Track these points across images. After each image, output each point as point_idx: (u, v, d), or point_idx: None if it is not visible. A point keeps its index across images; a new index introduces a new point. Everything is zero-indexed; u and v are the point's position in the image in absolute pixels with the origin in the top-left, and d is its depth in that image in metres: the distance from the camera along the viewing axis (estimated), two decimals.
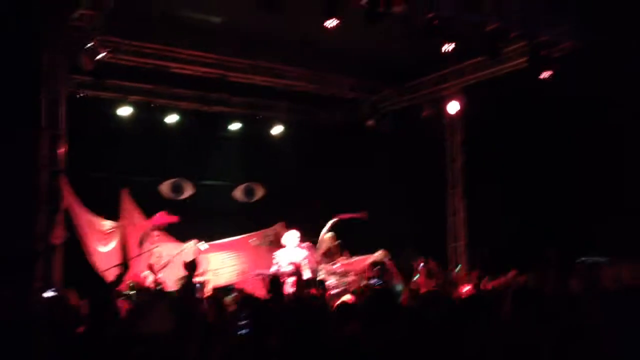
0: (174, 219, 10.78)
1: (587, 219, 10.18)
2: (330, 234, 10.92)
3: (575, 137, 10.22)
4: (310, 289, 6.93)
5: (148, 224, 10.94)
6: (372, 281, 9.47)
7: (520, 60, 9.88)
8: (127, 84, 11.51)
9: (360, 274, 10.88)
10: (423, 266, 9.60)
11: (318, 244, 10.92)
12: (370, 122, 12.34)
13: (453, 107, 11.47)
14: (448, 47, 8.86)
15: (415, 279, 9.51)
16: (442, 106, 11.64)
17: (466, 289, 8.06)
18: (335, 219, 11.03)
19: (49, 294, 6.93)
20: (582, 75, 9.34)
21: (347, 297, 7.10)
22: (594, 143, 9.95)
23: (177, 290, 7.52)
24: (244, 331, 3.46)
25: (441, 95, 11.63)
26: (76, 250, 10.20)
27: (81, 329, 5.15)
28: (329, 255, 10.69)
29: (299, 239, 10.36)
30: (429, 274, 9.23)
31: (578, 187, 10.36)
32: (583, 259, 9.96)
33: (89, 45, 8.93)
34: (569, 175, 10.46)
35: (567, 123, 10.21)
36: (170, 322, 2.98)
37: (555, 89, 9.67)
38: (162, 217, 10.72)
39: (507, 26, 8.91)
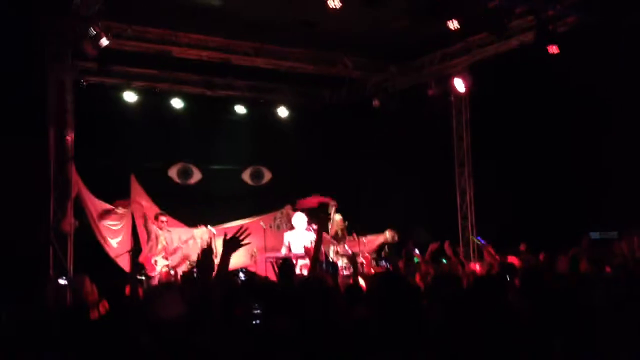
0: None
1: (595, 194, 10.16)
2: (338, 216, 10.96)
3: (582, 112, 10.15)
4: (322, 271, 6.93)
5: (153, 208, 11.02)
6: (380, 263, 9.51)
7: (526, 35, 9.76)
8: (131, 69, 11.49)
9: (370, 254, 10.96)
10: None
11: (328, 226, 10.97)
12: (375, 102, 12.27)
13: (459, 84, 11.38)
14: (453, 25, 8.77)
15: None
16: (448, 84, 11.55)
17: (476, 267, 8.04)
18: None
19: (62, 281, 6.99)
20: (587, 51, 9.26)
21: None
22: (601, 117, 9.89)
23: (188, 276, 7.58)
24: (257, 321, 3.46)
25: (447, 73, 11.53)
26: (86, 238, 10.28)
27: (95, 315, 5.23)
28: (338, 238, 10.74)
29: (307, 222, 10.41)
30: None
31: (585, 161, 10.32)
32: (592, 234, 9.97)
33: (91, 32, 8.90)
34: (576, 150, 10.41)
35: (573, 98, 10.14)
36: (181, 308, 2.99)
37: (561, 64, 9.58)
38: None
39: (511, 1, 8.80)
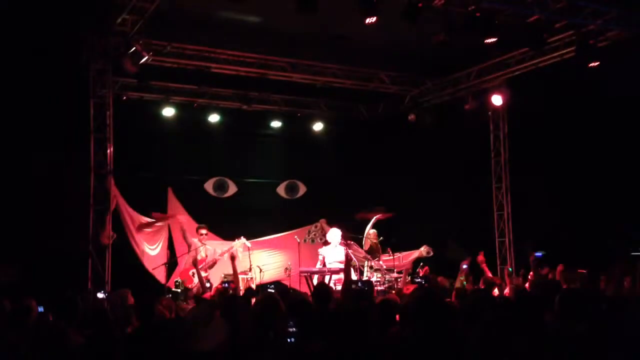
0: None
1: (635, 213, 9.89)
2: (373, 231, 10.91)
3: (621, 130, 9.92)
4: (356, 290, 6.89)
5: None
6: (416, 279, 9.41)
7: (566, 50, 9.61)
8: (169, 85, 11.69)
9: (405, 270, 10.86)
10: (466, 267, 9.45)
11: (363, 241, 10.94)
12: (411, 117, 12.21)
13: (497, 99, 11.25)
14: (490, 40, 8.68)
15: (461, 278, 9.36)
16: (485, 99, 11.42)
17: (512, 287, 7.89)
18: (375, 218, 11.02)
19: (100, 295, 7.10)
20: (627, 63, 9.07)
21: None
22: None
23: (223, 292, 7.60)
24: (292, 339, 3.46)
25: (484, 87, 11.42)
26: (124, 251, 10.44)
27: (129, 329, 5.28)
28: (373, 252, 10.69)
29: (341, 237, 10.38)
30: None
31: (625, 180, 10.07)
32: (636, 253, 9.70)
33: (132, 49, 9.11)
34: (616, 168, 10.17)
35: (613, 113, 9.91)
36: (222, 334, 3.00)
37: (601, 78, 9.40)
38: None
39: (551, 16, 8.68)
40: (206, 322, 3.13)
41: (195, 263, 9.78)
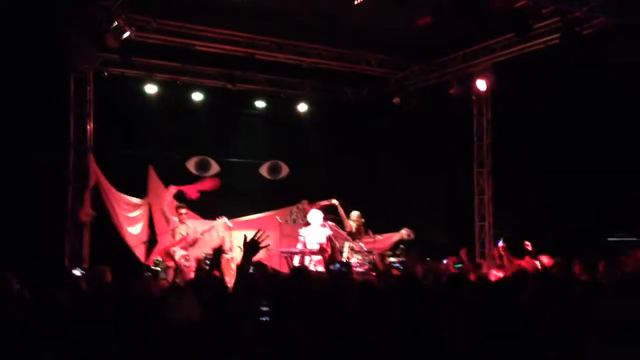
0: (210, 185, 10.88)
1: (617, 199, 10.00)
2: (356, 212, 10.93)
3: (605, 116, 9.99)
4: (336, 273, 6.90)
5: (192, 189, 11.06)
6: (394, 264, 9.47)
7: (551, 37, 9.62)
8: (153, 61, 11.53)
9: (383, 252, 10.93)
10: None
11: (344, 223, 10.98)
12: (396, 100, 12.19)
13: (481, 84, 11.26)
14: (477, 25, 8.66)
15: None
16: (470, 84, 11.43)
17: (491, 272, 7.96)
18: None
19: (76, 272, 7.04)
20: (613, 52, 9.10)
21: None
22: (625, 122, 9.73)
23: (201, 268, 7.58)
24: (265, 318, 3.46)
25: (469, 72, 11.41)
26: (104, 229, 10.36)
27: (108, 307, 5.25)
28: (354, 234, 10.72)
29: (322, 218, 10.40)
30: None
31: (609, 164, 10.16)
32: (611, 239, 9.84)
33: (114, 24, 8.95)
34: (600, 152, 10.25)
35: (597, 101, 9.97)
36: (198, 311, 2.99)
37: (585, 65, 9.44)
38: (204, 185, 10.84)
39: (538, 1, 8.66)
40: (179, 298, 3.11)
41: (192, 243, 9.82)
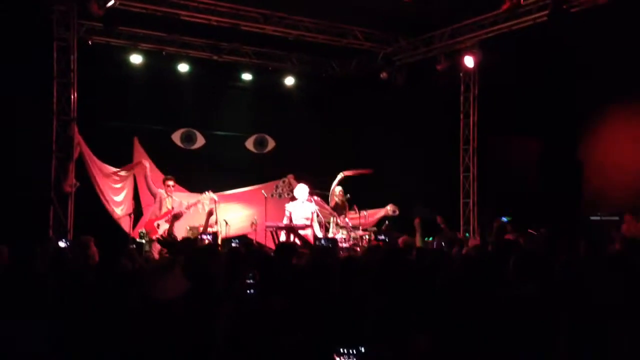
0: None
1: (600, 176, 10.12)
2: (339, 188, 10.95)
3: (590, 91, 10.05)
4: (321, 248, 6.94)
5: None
6: (379, 237, 9.51)
7: (539, 14, 9.60)
8: (137, 31, 11.35)
9: (369, 228, 10.98)
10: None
11: (329, 198, 11.00)
12: (383, 75, 12.14)
13: (469, 61, 11.23)
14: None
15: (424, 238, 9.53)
16: (457, 60, 11.40)
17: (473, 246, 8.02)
18: (342, 175, 11.05)
19: (61, 243, 7.00)
20: (597, 29, 9.13)
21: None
22: (608, 96, 9.81)
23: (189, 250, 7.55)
24: (251, 291, 3.48)
25: (457, 48, 11.37)
26: (88, 200, 10.29)
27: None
28: (338, 210, 10.75)
29: (308, 193, 10.40)
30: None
31: (593, 142, 10.26)
32: (594, 217, 9.96)
33: None
34: (585, 130, 10.35)
35: (582, 76, 10.03)
36: (183, 286, 2.99)
37: (572, 43, 9.46)
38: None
39: None
40: (165, 272, 3.11)
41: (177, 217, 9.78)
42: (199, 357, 2.70)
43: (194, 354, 2.78)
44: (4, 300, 3.43)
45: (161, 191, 10.19)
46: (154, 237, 9.89)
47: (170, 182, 10.26)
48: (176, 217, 10.17)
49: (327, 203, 11.05)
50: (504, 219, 9.30)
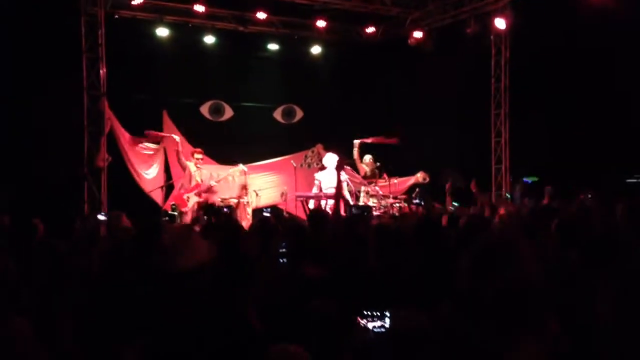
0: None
1: (636, 140, 9.84)
2: (369, 156, 10.88)
3: (628, 53, 9.71)
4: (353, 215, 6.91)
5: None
6: (414, 201, 9.46)
7: None
8: (163, 3, 11.31)
9: (400, 195, 10.92)
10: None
11: (356, 167, 10.95)
12: (412, 40, 11.92)
13: (500, 23, 10.94)
14: None
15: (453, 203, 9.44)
16: (488, 22, 11.11)
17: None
18: (358, 142, 10.97)
19: (100, 217, 7.10)
20: None
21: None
22: None
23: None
24: (284, 260, 3.48)
25: (487, 10, 11.08)
26: (120, 174, 10.41)
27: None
28: (368, 178, 10.69)
29: (337, 162, 10.34)
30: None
31: (629, 104, 9.95)
32: (630, 180, 9.74)
33: None
34: (621, 92, 10.03)
35: (620, 39, 9.68)
36: (209, 253, 2.99)
37: (609, 7, 9.12)
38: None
39: None
40: (184, 241, 3.11)
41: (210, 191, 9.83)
42: (231, 324, 2.72)
43: (227, 321, 2.79)
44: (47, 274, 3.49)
45: (189, 164, 10.24)
46: (183, 210, 9.95)
47: (199, 155, 10.31)
48: (210, 191, 10.20)
49: (357, 172, 10.99)
50: (527, 180, 9.14)
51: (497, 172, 11.89)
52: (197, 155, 10.33)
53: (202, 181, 10.26)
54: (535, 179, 9.38)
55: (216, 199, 10.36)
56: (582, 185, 8.46)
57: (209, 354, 2.52)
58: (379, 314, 2.74)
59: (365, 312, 2.73)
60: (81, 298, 3.37)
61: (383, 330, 2.65)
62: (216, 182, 10.29)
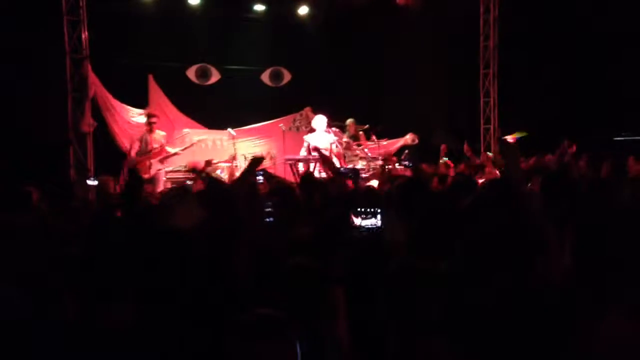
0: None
1: (625, 101, 9.86)
2: (349, 120, 10.84)
3: (615, 14, 9.64)
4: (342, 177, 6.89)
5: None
6: (403, 162, 9.45)
7: None
8: None
9: (388, 157, 10.89)
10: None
11: (345, 129, 10.90)
12: (401, 0, 11.75)
13: None
14: None
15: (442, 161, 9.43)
16: None
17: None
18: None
19: (92, 182, 7.03)
20: None
21: (374, 183, 7.11)
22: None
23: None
24: (270, 219, 3.47)
25: None
26: (105, 139, 10.29)
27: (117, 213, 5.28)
28: (356, 140, 10.66)
29: (327, 124, 10.29)
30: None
31: (618, 64, 9.94)
32: (618, 138, 9.78)
33: None
34: (610, 52, 10.00)
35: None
36: (198, 216, 2.98)
37: None
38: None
39: None
40: (179, 200, 3.10)
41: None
42: (222, 284, 2.71)
43: (217, 280, 2.79)
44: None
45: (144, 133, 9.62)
46: (145, 177, 9.41)
47: (153, 119, 9.71)
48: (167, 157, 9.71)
49: (345, 133, 10.95)
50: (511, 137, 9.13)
51: (485, 132, 11.89)
52: (152, 120, 9.68)
53: (160, 147, 9.68)
54: (525, 134, 9.38)
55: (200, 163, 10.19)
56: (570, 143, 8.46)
57: (197, 310, 2.52)
58: (371, 211, 2.87)
59: (359, 209, 2.86)
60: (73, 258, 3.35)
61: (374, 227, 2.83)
62: (181, 150, 9.97)
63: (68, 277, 2.79)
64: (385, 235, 2.95)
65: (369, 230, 2.88)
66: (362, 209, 2.84)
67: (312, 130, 10.49)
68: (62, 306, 2.68)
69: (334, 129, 10.57)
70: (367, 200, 4.80)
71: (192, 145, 10.06)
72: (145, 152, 9.53)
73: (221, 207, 3.08)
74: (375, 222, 2.87)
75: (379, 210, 2.85)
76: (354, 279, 2.83)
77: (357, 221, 2.85)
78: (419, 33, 11.79)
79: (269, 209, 3.50)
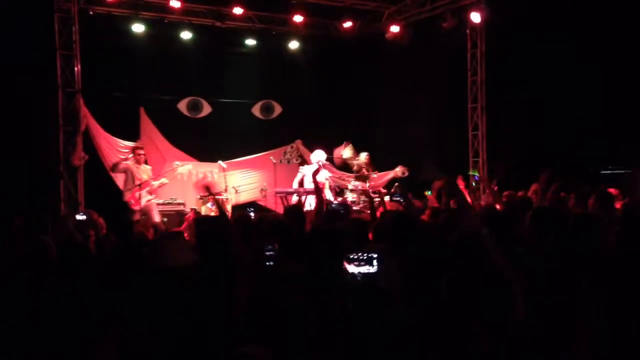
0: None
1: (611, 135, 10.01)
2: (364, 154, 10.88)
3: (601, 49, 9.85)
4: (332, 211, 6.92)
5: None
6: (394, 197, 9.48)
7: None
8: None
9: (378, 190, 10.95)
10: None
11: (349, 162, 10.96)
12: (389, 34, 11.96)
13: (475, 17, 11.03)
14: None
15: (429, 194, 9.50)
16: (463, 16, 11.19)
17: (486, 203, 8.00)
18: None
19: (80, 216, 7.02)
20: None
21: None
22: (623, 57, 9.61)
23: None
24: (270, 262, 3.45)
25: (463, 4, 11.16)
26: (96, 173, 10.28)
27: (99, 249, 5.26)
28: (360, 173, 10.69)
29: (325, 159, 10.39)
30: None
31: (603, 98, 10.10)
32: (605, 171, 9.90)
33: None
34: (592, 88, 10.18)
35: (593, 34, 9.81)
36: (190, 256, 2.99)
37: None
38: None
39: None
40: (173, 239, 3.12)
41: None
42: (216, 323, 2.72)
43: (210, 320, 2.79)
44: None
45: (128, 162, 9.74)
46: (135, 208, 9.50)
47: (141, 151, 9.84)
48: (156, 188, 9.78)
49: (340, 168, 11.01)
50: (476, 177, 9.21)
51: (474, 165, 11.99)
52: (139, 152, 9.81)
53: (148, 177, 9.77)
54: (476, 173, 9.53)
55: (194, 196, 10.27)
56: (556, 177, 8.55)
57: (187, 350, 2.53)
58: (365, 257, 2.83)
59: (352, 256, 2.82)
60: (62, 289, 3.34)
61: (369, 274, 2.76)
62: (167, 180, 9.98)
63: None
64: (381, 282, 2.93)
65: (364, 276, 2.82)
66: (356, 256, 2.80)
67: (302, 163, 10.57)
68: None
69: (327, 163, 10.66)
70: (356, 233, 4.84)
71: (174, 170, 10.07)
72: (133, 184, 9.55)
73: (214, 248, 3.10)
74: (369, 268, 2.81)
75: (374, 256, 2.81)
76: (349, 327, 2.81)
77: (351, 268, 2.79)
78: (408, 67, 11.98)
79: (270, 253, 3.47)
